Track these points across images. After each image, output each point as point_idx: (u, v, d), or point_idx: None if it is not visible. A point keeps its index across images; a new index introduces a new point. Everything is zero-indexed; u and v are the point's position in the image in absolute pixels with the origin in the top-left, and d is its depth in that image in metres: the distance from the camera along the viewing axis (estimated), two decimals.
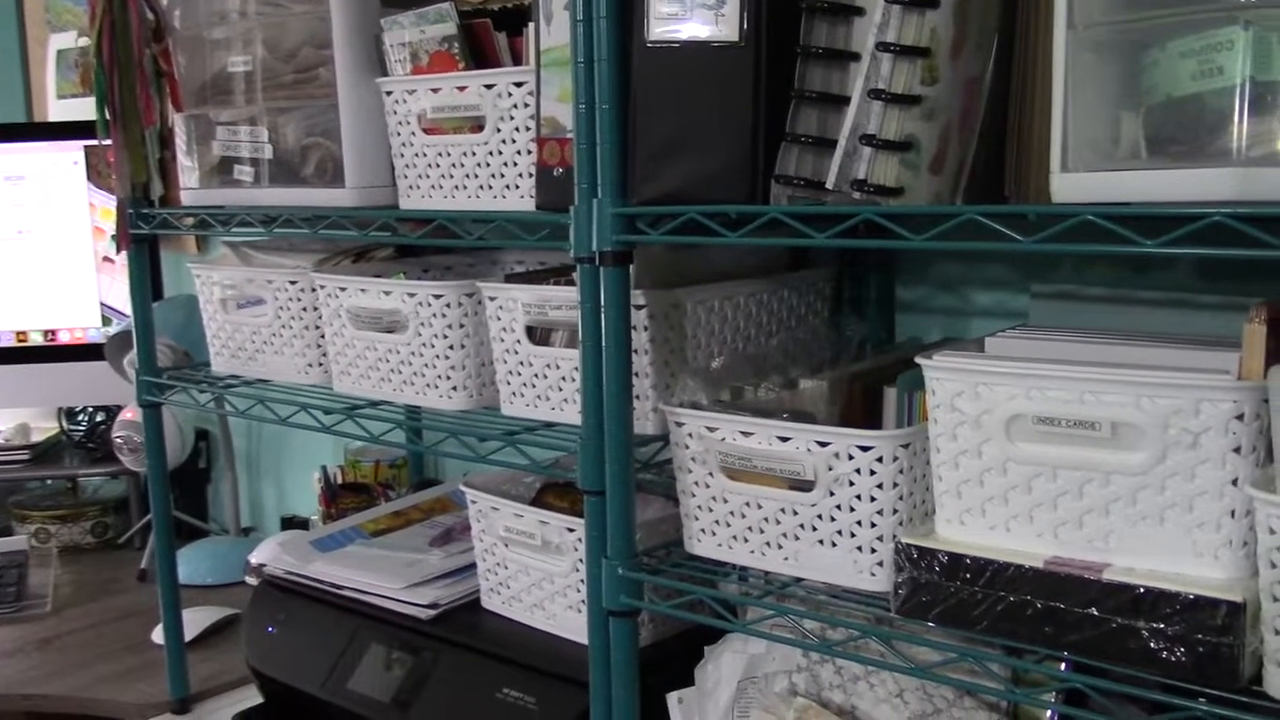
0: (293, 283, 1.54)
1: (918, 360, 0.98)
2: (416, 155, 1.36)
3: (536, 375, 1.30)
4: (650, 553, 1.18)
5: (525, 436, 1.27)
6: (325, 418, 1.45)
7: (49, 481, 2.55)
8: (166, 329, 1.94)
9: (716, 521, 1.13)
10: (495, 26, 1.32)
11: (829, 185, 0.97)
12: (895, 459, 1.02)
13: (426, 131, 1.35)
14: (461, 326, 1.36)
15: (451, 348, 1.37)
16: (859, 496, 1.03)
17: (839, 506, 1.04)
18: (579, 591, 1.32)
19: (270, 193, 1.51)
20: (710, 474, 1.12)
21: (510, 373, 1.33)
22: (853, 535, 1.04)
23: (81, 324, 2.38)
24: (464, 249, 1.68)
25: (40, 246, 2.37)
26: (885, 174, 0.94)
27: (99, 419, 2.50)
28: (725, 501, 1.12)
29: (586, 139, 1.09)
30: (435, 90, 1.33)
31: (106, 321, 2.35)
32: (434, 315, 1.37)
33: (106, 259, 2.33)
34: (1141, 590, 0.86)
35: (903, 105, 0.94)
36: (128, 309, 1.72)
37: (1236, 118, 0.78)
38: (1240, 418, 0.85)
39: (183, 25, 1.58)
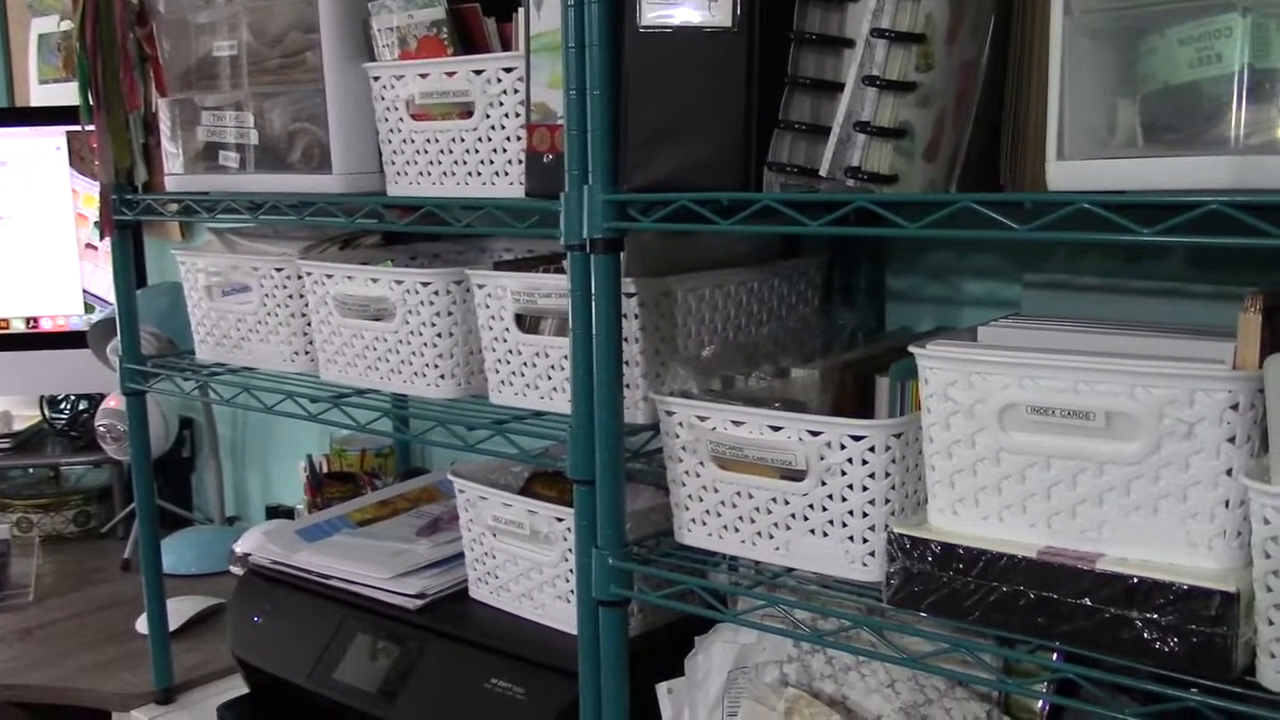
0: (278, 270, 1.52)
1: (911, 349, 0.98)
2: (404, 141, 1.35)
3: (525, 363, 1.29)
4: (640, 542, 1.18)
5: (514, 425, 1.26)
6: (311, 406, 1.44)
7: (31, 470, 2.53)
8: (150, 316, 1.92)
9: (707, 511, 1.12)
10: (484, 11, 1.31)
11: (823, 173, 0.96)
12: (887, 448, 1.01)
13: (414, 117, 1.33)
14: (449, 314, 1.35)
15: (439, 336, 1.36)
16: (851, 486, 1.03)
17: (830, 496, 1.04)
18: (568, 581, 1.31)
19: (256, 179, 1.49)
20: (701, 463, 1.11)
21: (499, 361, 1.32)
22: (844, 525, 1.04)
23: (64, 311, 2.35)
24: (452, 236, 1.67)
25: (22, 233, 2.35)
26: (879, 161, 0.94)
27: (82, 407, 2.48)
28: (716, 491, 1.11)
29: (577, 125, 1.08)
30: (423, 76, 1.31)
31: (89, 309, 2.33)
32: (421, 303, 1.35)
33: (89, 246, 2.31)
34: (1135, 580, 0.86)
35: (897, 92, 0.93)
36: (110, 296, 1.70)
37: (1234, 105, 0.77)
38: (1235, 407, 0.85)
39: (167, 9, 1.56)
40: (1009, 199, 0.87)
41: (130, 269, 1.68)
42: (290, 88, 1.43)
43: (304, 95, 1.42)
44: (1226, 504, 0.86)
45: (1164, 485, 0.88)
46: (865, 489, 1.02)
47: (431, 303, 1.35)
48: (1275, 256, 1.09)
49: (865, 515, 1.03)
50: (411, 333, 1.37)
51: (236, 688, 1.63)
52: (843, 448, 1.02)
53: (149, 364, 1.69)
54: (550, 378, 1.28)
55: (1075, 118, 0.85)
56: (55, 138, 2.30)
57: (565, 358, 1.24)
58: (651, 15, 1.04)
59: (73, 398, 2.50)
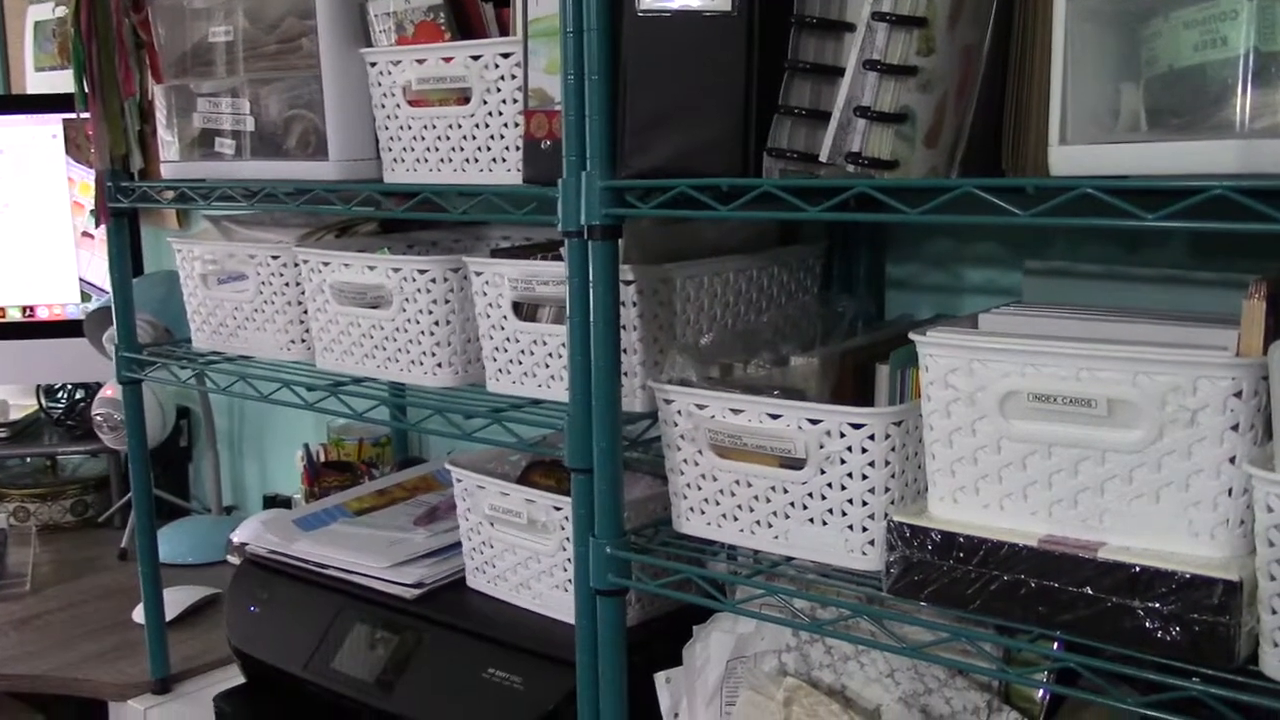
0: (275, 257, 1.51)
1: (911, 336, 0.97)
2: (401, 128, 1.34)
3: (523, 351, 1.29)
4: (638, 531, 1.17)
5: (511, 414, 1.26)
6: (308, 394, 1.43)
7: (28, 460, 2.52)
8: (147, 305, 1.91)
9: (706, 500, 1.12)
10: None
11: (823, 158, 0.96)
12: (887, 436, 1.00)
13: (411, 103, 1.32)
14: (447, 302, 1.34)
15: (436, 324, 1.35)
16: (850, 474, 1.02)
17: (830, 484, 1.03)
18: (565, 570, 1.30)
19: (252, 166, 1.48)
20: (699, 452, 1.10)
21: (496, 349, 1.31)
22: (844, 514, 1.03)
23: (60, 300, 2.34)
24: (450, 224, 1.66)
25: (18, 221, 2.34)
26: (880, 146, 0.93)
27: (78, 396, 2.47)
28: (714, 479, 1.10)
29: (575, 111, 1.07)
30: (420, 61, 1.30)
31: (86, 298, 2.32)
32: (419, 290, 1.34)
33: (86, 234, 2.30)
34: (1137, 569, 0.85)
35: (898, 76, 0.92)
36: (107, 285, 1.69)
37: (1240, 89, 0.76)
38: (1238, 395, 0.84)
39: None
40: (1011, 184, 0.86)
41: (126, 257, 1.67)
42: (286, 74, 1.42)
43: (300, 81, 1.41)
44: (1229, 492, 0.85)
45: (1166, 473, 0.87)
46: (865, 477, 1.01)
47: (428, 290, 1.34)
48: (1279, 242, 1.09)
49: (865, 504, 1.02)
50: (408, 320, 1.36)
51: (233, 677, 1.63)
52: (842, 436, 1.02)
53: (145, 353, 1.68)
54: (548, 366, 1.27)
55: (1078, 102, 0.84)
56: (52, 126, 2.29)
57: (563, 345, 1.23)
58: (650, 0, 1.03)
59: (69, 387, 2.49)
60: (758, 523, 1.08)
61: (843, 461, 1.02)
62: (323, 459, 1.95)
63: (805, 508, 1.05)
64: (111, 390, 2.13)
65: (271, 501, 2.24)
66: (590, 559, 1.12)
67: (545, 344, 1.26)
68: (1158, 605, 0.84)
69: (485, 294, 1.30)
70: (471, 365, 1.37)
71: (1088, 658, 0.88)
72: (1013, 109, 0.95)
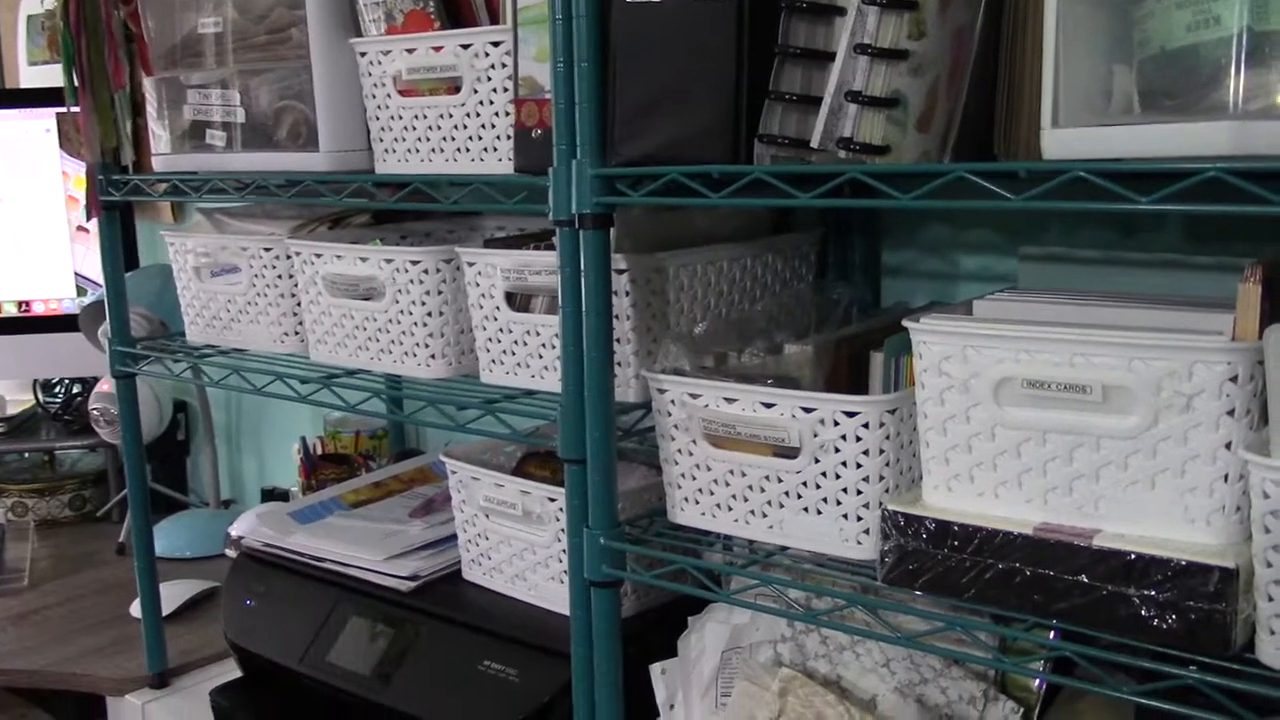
0: (267, 250, 1.51)
1: (904, 323, 0.96)
2: (392, 118, 1.33)
3: (516, 342, 1.28)
4: (632, 522, 1.16)
5: (505, 405, 1.25)
6: (302, 387, 1.42)
7: (25, 455, 2.52)
8: (141, 298, 1.90)
9: (700, 490, 1.11)
10: None
11: (814, 144, 0.95)
12: (881, 425, 0.99)
13: (402, 93, 1.31)
14: (439, 293, 1.33)
15: (430, 315, 1.34)
16: (845, 463, 1.01)
17: (824, 473, 1.02)
18: (561, 562, 1.29)
19: (243, 157, 1.47)
20: (693, 441, 1.10)
21: (489, 340, 1.30)
22: (838, 503, 1.02)
23: (56, 295, 2.34)
24: (444, 214, 1.65)
25: (13, 216, 2.33)
26: (871, 132, 0.92)
27: (75, 391, 2.47)
28: (709, 469, 1.09)
29: (565, 98, 1.06)
30: (410, 51, 1.29)
31: (81, 292, 2.31)
32: (411, 282, 1.34)
33: (81, 228, 2.29)
34: (1132, 556, 0.85)
35: (889, 60, 0.91)
36: (102, 279, 1.69)
37: (1233, 70, 0.75)
38: (1234, 380, 0.83)
39: None
40: (1004, 168, 0.85)
41: (118, 251, 1.66)
42: (276, 64, 1.41)
43: (290, 72, 1.40)
44: (1226, 478, 0.84)
45: (1162, 460, 0.86)
46: (859, 466, 1.01)
47: (421, 281, 1.33)
48: (1275, 225, 1.08)
49: (859, 492, 1.01)
50: (401, 312, 1.36)
51: (230, 671, 1.62)
52: (836, 424, 1.01)
53: (139, 346, 1.67)
54: (541, 356, 1.26)
55: (1070, 85, 0.83)
56: (45, 119, 2.28)
57: (556, 336, 1.23)
58: None
59: (66, 381, 2.48)
60: (752, 512, 1.08)
61: (837, 450, 1.01)
62: (319, 452, 1.95)
63: (800, 497, 1.04)
64: (108, 385, 2.12)
65: (269, 495, 2.23)
66: (584, 550, 1.11)
67: (538, 334, 1.26)
68: (1154, 593, 0.84)
69: (478, 285, 1.29)
70: (465, 356, 1.36)
71: (1083, 646, 0.87)
72: (1005, 92, 0.94)
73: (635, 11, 1.02)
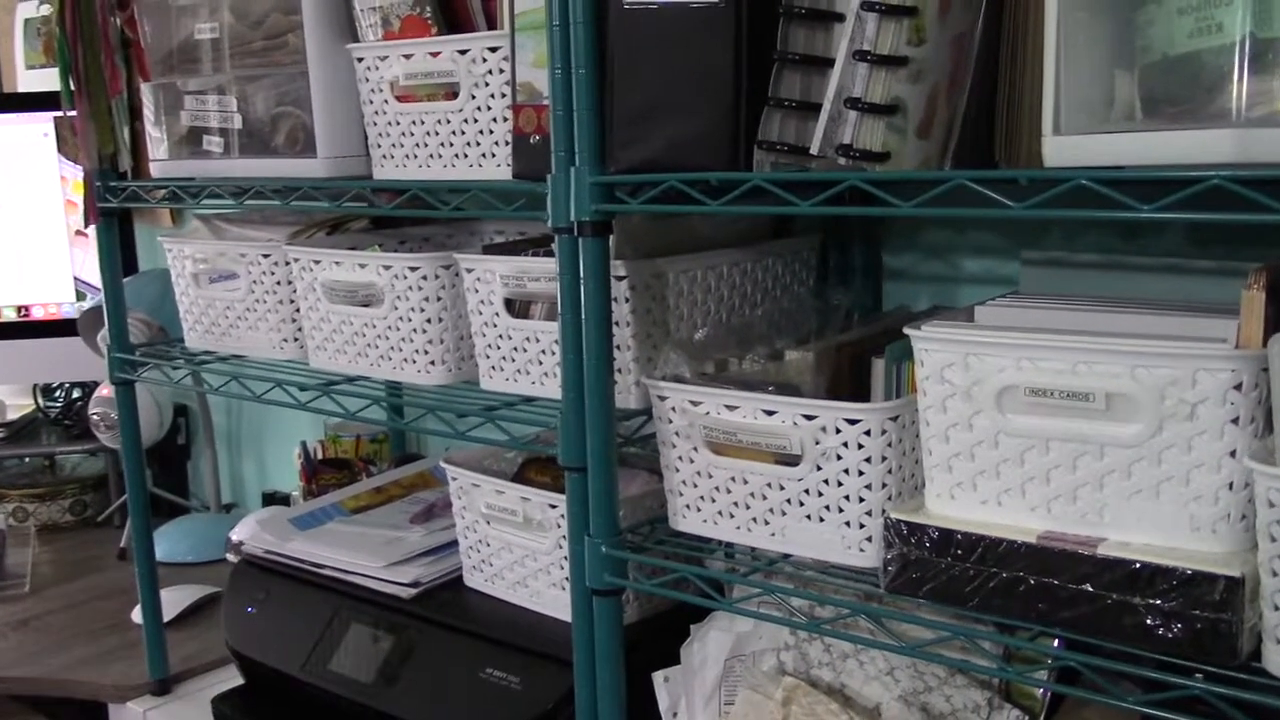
0: (265, 256, 1.50)
1: (906, 330, 0.96)
2: (389, 124, 1.33)
3: (516, 349, 1.27)
4: (634, 529, 1.16)
5: (505, 412, 1.24)
6: (301, 394, 1.42)
7: (26, 459, 2.51)
8: (141, 304, 1.90)
9: (701, 497, 1.10)
10: None
11: (813, 151, 0.94)
12: (884, 432, 0.99)
13: (399, 99, 1.31)
14: (439, 299, 1.33)
15: (429, 321, 1.33)
16: (847, 471, 1.01)
17: (826, 481, 1.02)
18: (562, 569, 1.29)
19: (240, 164, 1.46)
20: (695, 449, 1.09)
21: (489, 346, 1.30)
22: (841, 510, 1.02)
23: (55, 299, 2.33)
24: (443, 220, 1.65)
25: (11, 221, 2.32)
26: (871, 138, 0.91)
27: (75, 395, 2.46)
28: (710, 477, 1.09)
29: (563, 105, 1.05)
30: (408, 56, 1.29)
31: (81, 296, 2.31)
32: (410, 288, 1.33)
33: (79, 233, 2.29)
34: (1137, 565, 0.84)
35: (889, 67, 0.90)
36: (101, 283, 1.68)
37: (1236, 77, 0.75)
38: (1238, 388, 0.82)
39: None
40: (1004, 176, 0.85)
41: (116, 256, 1.66)
42: (273, 70, 1.41)
43: (287, 78, 1.39)
44: (1230, 486, 0.84)
45: (1166, 468, 0.86)
46: (861, 473, 1.00)
47: (420, 288, 1.33)
48: (1278, 232, 1.07)
49: (862, 500, 1.01)
50: (400, 318, 1.35)
51: (233, 678, 1.62)
52: (838, 431, 1.00)
53: (138, 353, 1.67)
54: (541, 363, 1.26)
55: (1071, 91, 0.83)
56: (43, 124, 2.27)
57: (555, 342, 1.22)
58: None
59: (66, 386, 2.48)
60: (754, 520, 1.07)
61: (839, 457, 1.01)
62: (320, 456, 1.94)
63: (802, 504, 1.04)
64: (108, 389, 2.11)
65: (270, 499, 2.22)
66: (586, 558, 1.11)
67: (538, 341, 1.25)
68: (1159, 602, 0.83)
69: (477, 291, 1.29)
70: (465, 363, 1.35)
71: (1088, 655, 0.87)
72: (1005, 99, 0.94)
73: (633, 17, 1.02)
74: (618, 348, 1.16)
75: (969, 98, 0.95)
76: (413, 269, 1.32)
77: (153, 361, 1.63)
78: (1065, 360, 0.87)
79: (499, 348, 1.29)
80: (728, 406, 1.06)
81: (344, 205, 1.35)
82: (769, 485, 1.05)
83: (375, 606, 1.41)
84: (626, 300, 1.17)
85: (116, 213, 1.64)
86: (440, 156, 1.29)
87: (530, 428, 1.22)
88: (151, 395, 2.15)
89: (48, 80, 2.44)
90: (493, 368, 1.30)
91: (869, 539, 1.01)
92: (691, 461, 1.10)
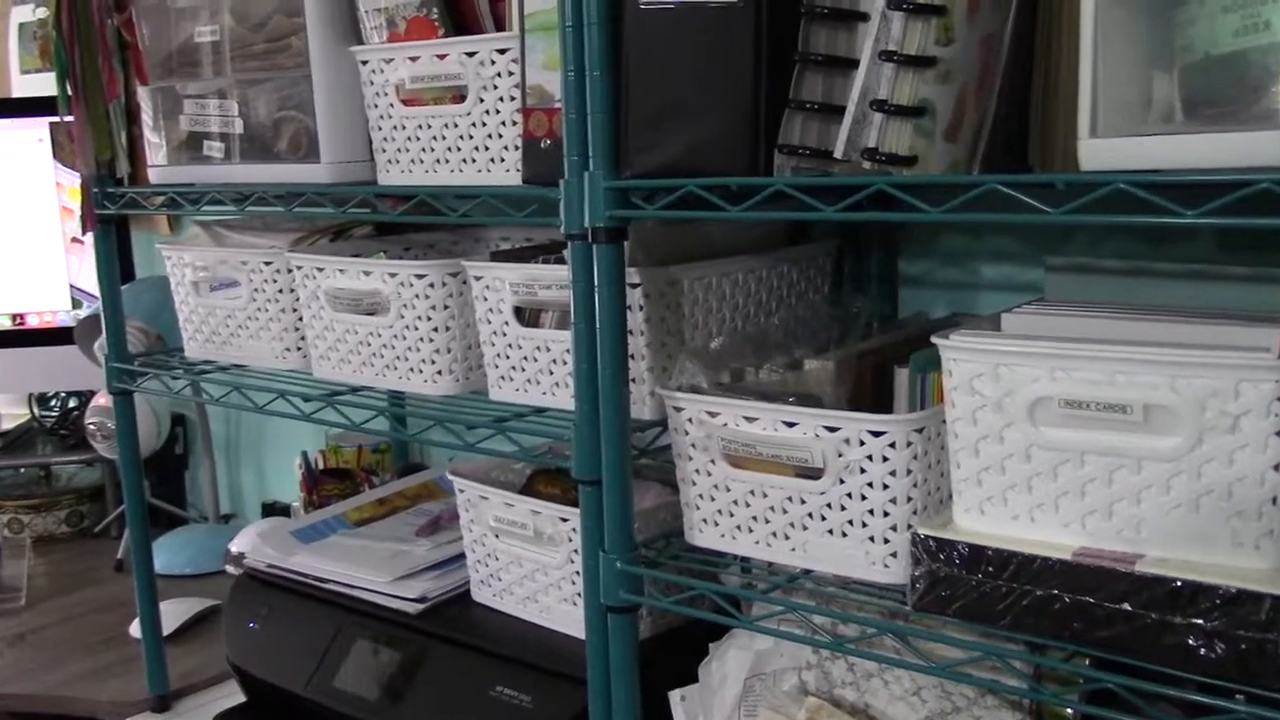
0: (267, 263, 1.47)
1: (934, 340, 0.93)
2: (395, 128, 1.29)
3: (526, 358, 1.24)
4: (649, 544, 1.12)
5: (515, 424, 1.21)
6: (305, 405, 1.38)
7: (21, 470, 2.47)
8: (138, 312, 1.86)
9: (719, 511, 1.07)
10: None
11: (838, 154, 0.91)
12: (909, 444, 0.96)
13: (405, 103, 1.28)
14: (446, 308, 1.30)
15: (436, 330, 1.30)
16: (871, 484, 0.98)
17: (850, 495, 0.99)
18: (574, 584, 1.26)
19: (242, 169, 1.43)
20: (712, 461, 1.06)
21: (498, 356, 1.27)
22: (864, 525, 0.99)
23: (51, 307, 2.30)
24: (447, 226, 1.62)
25: (6, 227, 2.29)
26: (898, 142, 0.88)
27: (71, 405, 2.43)
28: (728, 490, 1.06)
29: (576, 108, 1.02)
30: (414, 59, 1.26)
31: (77, 304, 2.27)
32: (417, 296, 1.30)
33: (75, 239, 2.25)
34: (1178, 584, 0.81)
35: (916, 68, 0.87)
36: (97, 289, 1.65)
37: None
38: None
39: None
40: (1039, 180, 0.82)
41: (114, 265, 1.63)
42: (275, 74, 1.38)
43: (290, 81, 1.36)
44: (1275, 501, 0.81)
45: (1206, 482, 0.83)
46: (886, 487, 0.97)
47: (427, 296, 1.29)
48: None
49: (886, 514, 0.98)
50: (407, 327, 1.32)
51: (234, 693, 1.58)
52: (862, 444, 0.97)
53: (136, 362, 1.63)
54: (552, 373, 1.23)
55: (1108, 93, 0.80)
56: (38, 129, 2.24)
57: (567, 352, 1.19)
58: None
59: (62, 395, 2.44)
60: (774, 534, 1.04)
61: (863, 471, 0.98)
62: (321, 466, 1.91)
63: (824, 519, 1.01)
64: (105, 399, 2.08)
65: (270, 509, 2.19)
66: (600, 575, 1.08)
67: (549, 350, 1.22)
68: (1201, 621, 0.80)
69: (485, 299, 1.26)
70: (473, 372, 1.32)
71: (1125, 676, 0.84)
72: (1039, 100, 0.91)
73: (649, 18, 0.99)
74: (631, 357, 1.13)
75: (998, 98, 0.93)
76: (419, 277, 1.29)
77: (152, 372, 1.60)
78: (1102, 370, 0.84)
79: (508, 357, 1.26)
80: (747, 418, 1.03)
81: (349, 211, 1.32)
82: (789, 499, 1.02)
83: (381, 622, 1.38)
84: (640, 308, 1.14)
85: (114, 220, 1.61)
86: (447, 161, 1.26)
87: (539, 439, 1.19)
88: (149, 404, 2.11)
89: (42, 85, 2.41)
90: (502, 378, 1.27)
91: (893, 554, 0.98)
92: (709, 474, 1.07)
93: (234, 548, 1.93)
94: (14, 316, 2.30)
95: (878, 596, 1.01)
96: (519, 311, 1.24)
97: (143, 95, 1.54)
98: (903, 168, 0.88)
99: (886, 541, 0.98)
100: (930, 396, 1.03)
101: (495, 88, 1.20)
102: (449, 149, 1.25)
